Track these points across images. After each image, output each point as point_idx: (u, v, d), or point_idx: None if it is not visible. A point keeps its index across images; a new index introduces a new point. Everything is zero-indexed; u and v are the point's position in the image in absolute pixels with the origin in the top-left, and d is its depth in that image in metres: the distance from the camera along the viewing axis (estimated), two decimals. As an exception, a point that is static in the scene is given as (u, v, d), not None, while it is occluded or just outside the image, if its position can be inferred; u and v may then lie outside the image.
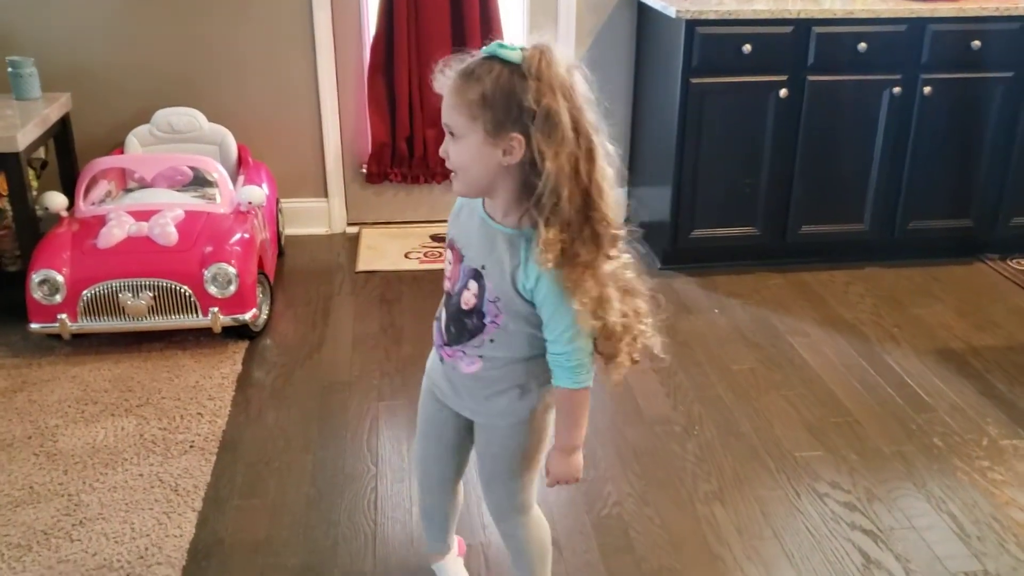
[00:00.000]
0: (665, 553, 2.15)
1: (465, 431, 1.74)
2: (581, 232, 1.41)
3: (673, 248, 3.62)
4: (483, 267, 1.50)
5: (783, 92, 3.41)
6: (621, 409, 2.71)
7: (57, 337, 2.95)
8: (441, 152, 1.46)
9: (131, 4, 3.57)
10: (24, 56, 3.32)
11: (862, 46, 3.38)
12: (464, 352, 1.59)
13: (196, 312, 2.93)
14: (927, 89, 3.45)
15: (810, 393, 2.80)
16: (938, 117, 3.51)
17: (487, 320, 1.53)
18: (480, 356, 1.58)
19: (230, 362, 2.94)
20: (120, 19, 3.59)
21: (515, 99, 1.36)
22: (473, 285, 1.52)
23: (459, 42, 3.71)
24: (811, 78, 3.42)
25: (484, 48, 1.41)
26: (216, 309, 2.92)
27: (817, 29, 3.36)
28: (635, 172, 4.03)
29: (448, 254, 1.59)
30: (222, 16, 3.63)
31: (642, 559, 2.13)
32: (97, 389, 2.78)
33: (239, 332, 3.04)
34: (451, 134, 1.43)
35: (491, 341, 1.55)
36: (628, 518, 2.25)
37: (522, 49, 1.37)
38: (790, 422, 2.65)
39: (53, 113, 3.27)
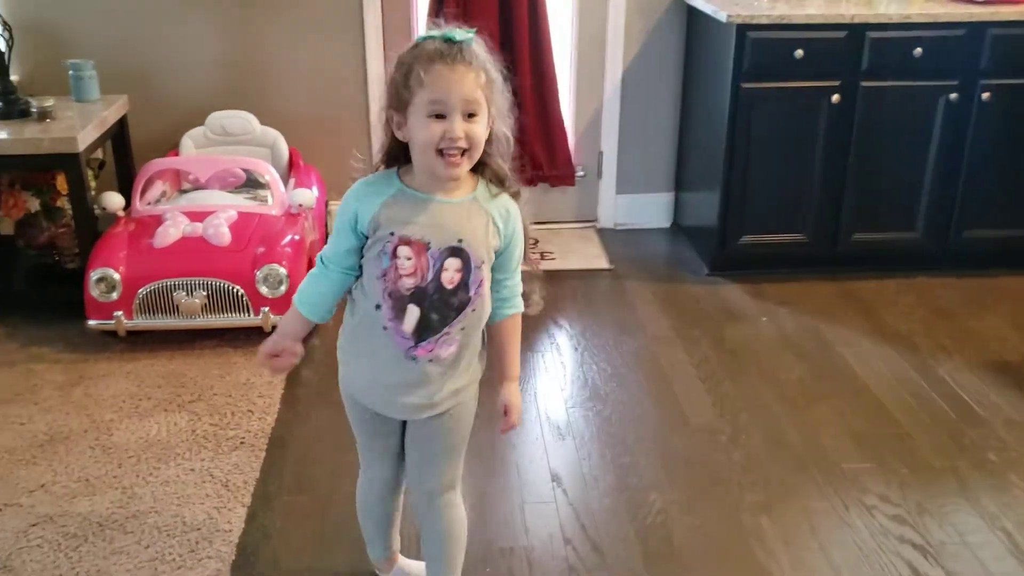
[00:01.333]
0: (710, 563, 2.14)
1: (403, 435, 1.80)
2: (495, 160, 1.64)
3: (721, 254, 3.60)
4: (460, 240, 1.58)
5: (835, 98, 3.37)
6: (666, 417, 2.70)
7: (113, 334, 3.02)
8: (459, 132, 1.51)
9: (187, 9, 3.64)
10: (84, 59, 3.40)
11: (918, 51, 3.33)
12: (449, 334, 1.64)
13: (248, 311, 2.98)
14: (985, 95, 3.39)
15: (859, 404, 2.76)
16: (996, 124, 3.45)
17: (472, 291, 1.62)
18: (462, 329, 1.65)
19: (279, 361, 2.98)
20: (177, 23, 3.66)
21: (493, 76, 1.55)
22: (453, 262, 1.59)
23: (508, 44, 3.73)
24: (864, 84, 3.38)
25: (430, 35, 1.54)
26: (267, 308, 2.97)
27: (871, 34, 3.32)
28: (682, 176, 4.02)
29: (405, 250, 1.58)
30: (275, 21, 3.69)
31: (686, 568, 2.13)
32: (151, 385, 2.84)
33: (289, 331, 3.08)
34: (470, 115, 1.52)
35: (472, 311, 1.64)
36: (672, 527, 2.25)
37: (464, 31, 1.54)
38: (838, 433, 2.62)
39: (112, 115, 3.35)
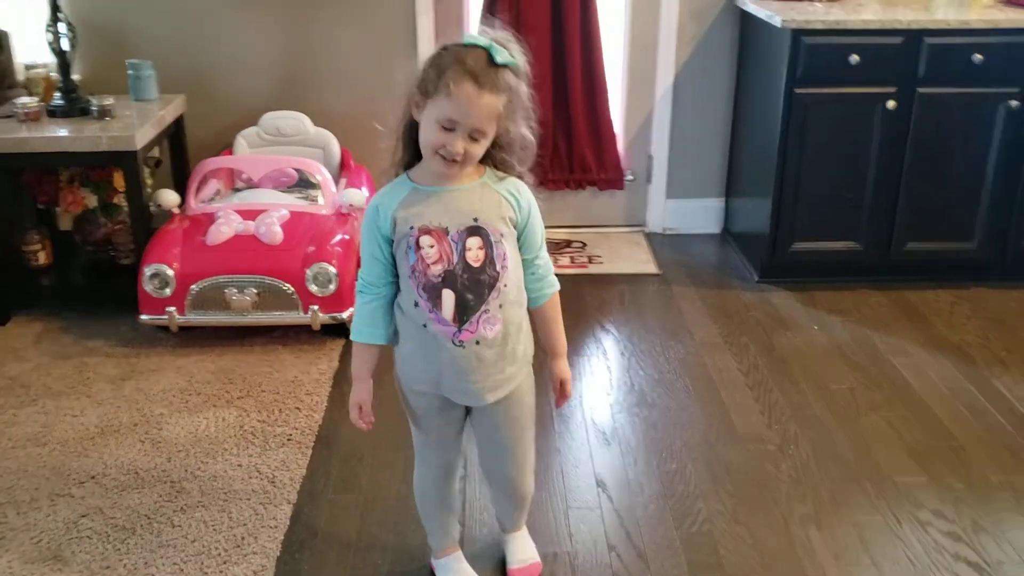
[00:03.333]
0: (756, 574, 2.11)
1: (464, 417, 1.89)
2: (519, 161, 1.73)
3: (771, 261, 3.56)
4: (476, 219, 1.67)
5: (891, 104, 3.32)
6: (714, 425, 2.67)
7: (165, 329, 3.07)
8: (458, 149, 1.59)
9: (243, 11, 3.69)
10: (144, 59, 3.46)
11: (977, 57, 3.27)
12: (488, 312, 1.70)
13: (297, 309, 3.01)
14: (1046, 103, 3.32)
15: (912, 416, 2.71)
16: (1057, 133, 3.37)
17: (498, 266, 1.69)
18: (500, 306, 1.71)
19: (327, 359, 3.01)
20: (233, 25, 3.71)
21: (516, 99, 1.62)
22: (473, 241, 1.67)
23: (560, 51, 3.74)
24: (921, 90, 3.32)
25: (477, 43, 1.57)
26: (316, 307, 2.99)
27: (929, 40, 3.26)
28: (733, 182, 3.98)
29: (427, 239, 1.66)
30: (328, 24, 3.72)
31: (732, 577, 2.10)
32: (201, 380, 2.88)
33: (337, 330, 3.11)
34: (475, 139, 1.61)
35: (505, 286, 1.70)
36: (718, 536, 2.22)
37: (508, 50, 1.59)
38: (891, 445, 2.57)
39: (168, 114, 3.40)
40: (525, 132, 1.68)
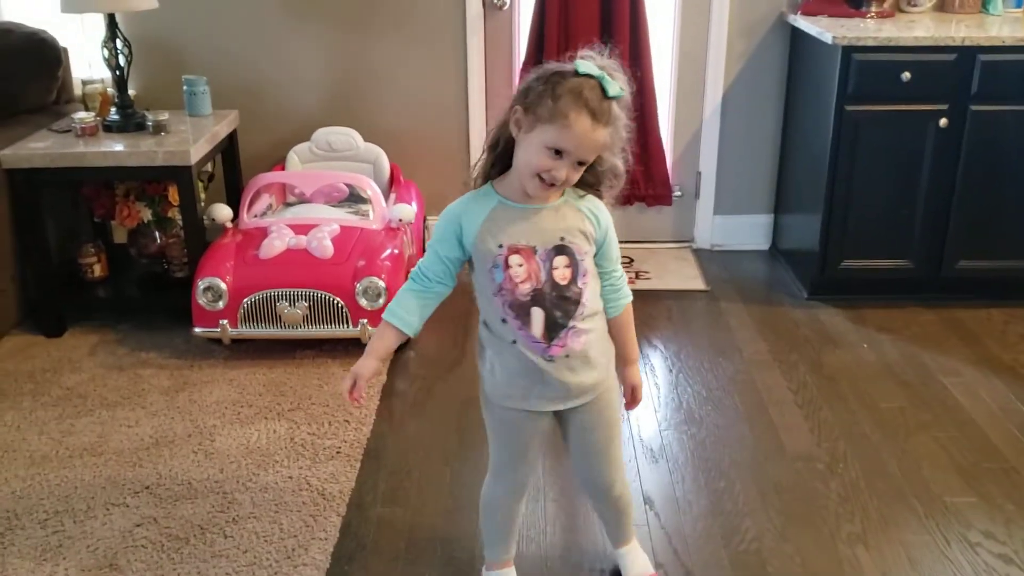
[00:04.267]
0: (805, 593, 2.10)
1: (552, 427, 1.91)
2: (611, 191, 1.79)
3: (821, 278, 3.54)
4: (562, 239, 1.70)
5: (943, 122, 3.28)
6: (762, 444, 2.66)
7: (217, 341, 3.12)
8: (562, 177, 1.63)
9: (296, 28, 3.76)
10: (199, 75, 3.54)
11: (1032, 75, 3.23)
12: (575, 327, 1.75)
13: (347, 323, 3.05)
14: (1103, 119, 3.26)
15: (963, 436, 2.67)
16: (1114, 150, 3.31)
17: (580, 282, 1.73)
18: (584, 319, 1.75)
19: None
20: (285, 42, 3.78)
21: (619, 130, 1.66)
22: (560, 260, 1.71)
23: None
24: (974, 108, 3.28)
25: (590, 73, 1.60)
26: (365, 321, 3.03)
27: (983, 57, 3.22)
28: (782, 198, 3.96)
29: (516, 258, 1.70)
30: (379, 41, 3.78)
31: (780, 597, 2.09)
32: (252, 393, 2.92)
33: (385, 344, 3.14)
34: (580, 164, 1.64)
35: (587, 300, 1.75)
36: (767, 554, 2.21)
37: (617, 81, 1.62)
38: (940, 465, 2.54)
39: (222, 129, 3.47)
40: (618, 161, 1.71)
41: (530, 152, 1.62)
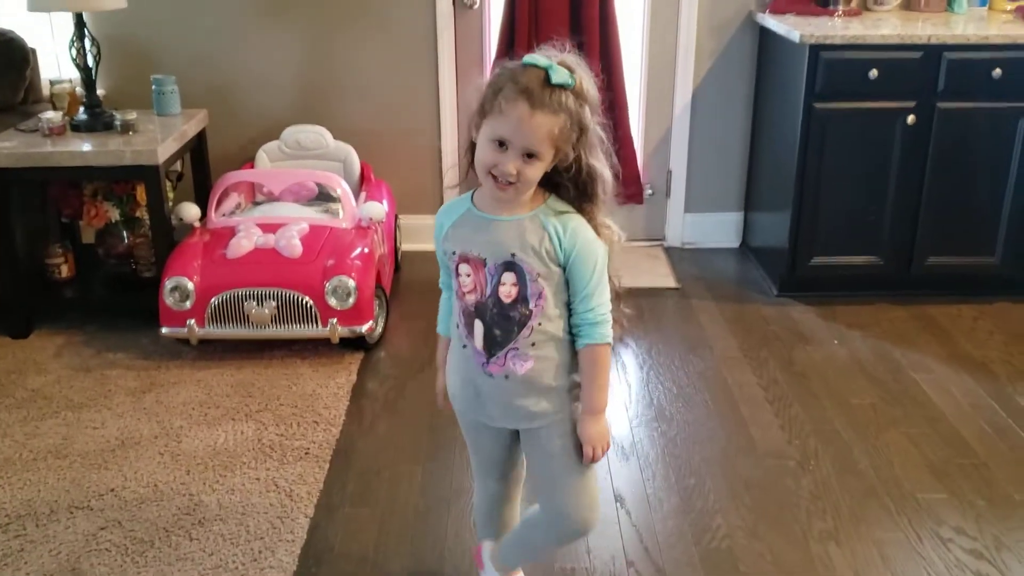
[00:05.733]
0: (775, 589, 2.09)
1: (513, 443, 1.82)
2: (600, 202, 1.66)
3: (791, 275, 3.55)
4: (513, 255, 1.60)
5: (911, 119, 3.30)
6: (733, 441, 2.66)
7: (185, 342, 3.08)
8: (510, 170, 1.54)
9: (265, 26, 3.73)
10: (167, 74, 3.50)
11: (997, 72, 3.25)
12: (517, 349, 1.65)
13: (316, 323, 3.02)
14: (1068, 117, 3.29)
15: (934, 432, 2.68)
16: (1080, 147, 3.34)
17: (531, 304, 1.62)
18: (532, 344, 1.64)
19: (346, 372, 3.01)
20: (254, 40, 3.75)
21: (577, 123, 1.56)
22: (509, 276, 1.62)
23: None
24: (941, 105, 3.30)
25: (536, 63, 1.53)
26: (335, 320, 3.00)
27: (948, 54, 3.24)
28: (752, 196, 3.97)
29: (465, 267, 1.65)
30: (350, 38, 3.75)
31: (751, 594, 2.08)
32: (220, 393, 2.89)
33: (355, 343, 3.12)
34: (529, 156, 1.54)
35: (539, 325, 1.64)
36: (738, 552, 2.20)
37: (570, 72, 1.53)
38: (912, 462, 2.55)
39: (191, 128, 3.43)
40: (597, 164, 1.61)
41: (481, 150, 1.57)
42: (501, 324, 1.64)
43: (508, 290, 1.62)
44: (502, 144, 1.53)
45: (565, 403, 1.71)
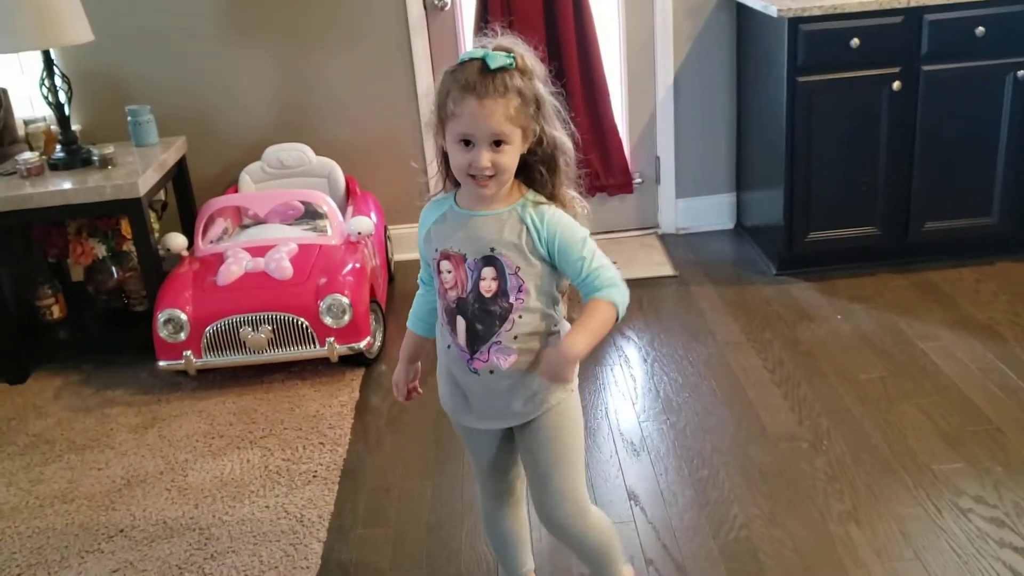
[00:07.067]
0: (798, 577, 2.06)
1: (510, 448, 1.81)
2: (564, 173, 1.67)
3: (788, 252, 3.51)
4: (492, 249, 1.61)
5: (896, 85, 3.27)
6: (743, 427, 2.62)
7: (184, 373, 3.05)
8: (484, 163, 1.54)
9: (238, 48, 3.69)
10: (141, 104, 3.46)
11: (980, 30, 3.21)
12: (500, 343, 1.65)
13: (313, 343, 2.99)
14: (1055, 69, 3.25)
15: (945, 401, 2.65)
16: (1070, 99, 3.30)
17: (512, 298, 1.63)
18: (514, 337, 1.64)
19: (348, 390, 2.98)
20: (226, 62, 3.71)
21: (532, 98, 1.56)
22: (488, 271, 1.62)
23: (557, 58, 3.70)
24: (926, 68, 3.26)
25: (473, 56, 1.56)
26: (332, 339, 2.97)
27: (929, 16, 3.21)
28: (743, 176, 3.93)
29: (446, 264, 1.66)
30: (323, 53, 3.71)
31: (774, 583, 2.05)
32: (223, 423, 2.86)
33: (355, 360, 3.09)
34: (497, 144, 1.55)
35: (519, 318, 1.63)
36: (757, 541, 2.17)
37: (507, 53, 1.55)
38: (925, 433, 2.51)
39: (170, 157, 3.40)
40: (555, 133, 1.62)
41: (453, 155, 1.58)
42: (482, 319, 1.65)
43: (488, 284, 1.63)
44: (468, 143, 1.55)
45: (550, 396, 1.71)
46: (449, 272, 1.65)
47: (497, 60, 1.53)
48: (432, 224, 1.69)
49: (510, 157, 1.57)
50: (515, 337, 1.64)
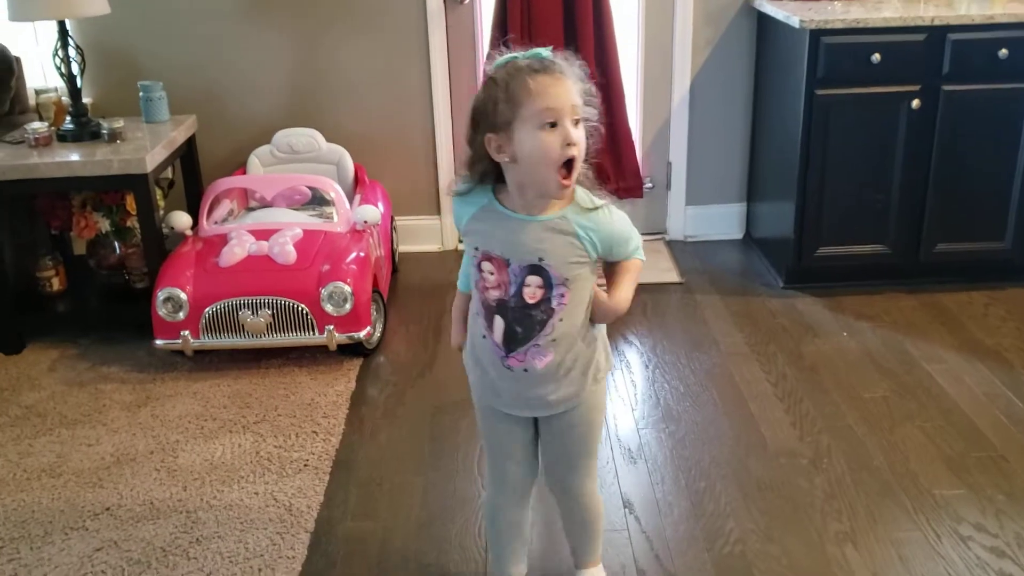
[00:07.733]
0: (792, 595, 2.03)
1: (531, 436, 1.82)
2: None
3: (797, 266, 3.47)
4: (541, 259, 1.58)
5: (915, 103, 3.23)
6: (743, 440, 2.59)
7: (180, 353, 3.02)
8: (575, 138, 1.51)
9: (254, 30, 3.66)
10: (154, 80, 3.43)
11: (1003, 52, 3.18)
12: (538, 345, 1.64)
13: (313, 330, 2.95)
14: (1077, 96, 3.22)
15: (949, 425, 2.61)
16: (1089, 127, 3.26)
17: (555, 304, 1.62)
18: (553, 340, 1.64)
19: (345, 379, 2.95)
20: (242, 43, 3.68)
21: (586, 85, 1.57)
22: (534, 279, 1.60)
23: (575, 57, 3.66)
24: (946, 88, 3.23)
25: (516, 56, 1.55)
26: (332, 327, 2.94)
27: (953, 36, 3.17)
28: (755, 187, 3.90)
29: (488, 265, 1.63)
30: (340, 40, 3.68)
31: (767, 600, 2.02)
32: (216, 405, 2.83)
33: (354, 349, 3.05)
34: (576, 122, 1.52)
35: (560, 321, 1.63)
36: (752, 557, 2.13)
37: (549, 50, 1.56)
38: (928, 456, 2.48)
39: (180, 135, 3.36)
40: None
41: (534, 149, 1.50)
42: (523, 321, 1.64)
43: (533, 291, 1.61)
44: (552, 124, 1.49)
45: (588, 387, 1.73)
46: (492, 274, 1.63)
47: (546, 53, 1.54)
48: (471, 217, 1.64)
49: (584, 137, 1.54)
50: (553, 340, 1.64)
